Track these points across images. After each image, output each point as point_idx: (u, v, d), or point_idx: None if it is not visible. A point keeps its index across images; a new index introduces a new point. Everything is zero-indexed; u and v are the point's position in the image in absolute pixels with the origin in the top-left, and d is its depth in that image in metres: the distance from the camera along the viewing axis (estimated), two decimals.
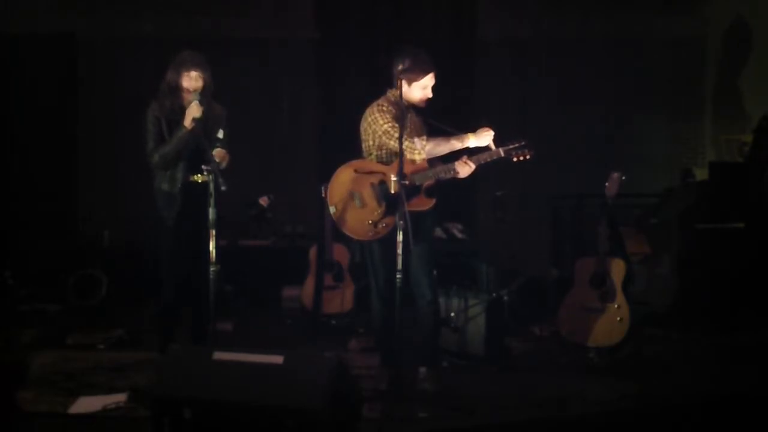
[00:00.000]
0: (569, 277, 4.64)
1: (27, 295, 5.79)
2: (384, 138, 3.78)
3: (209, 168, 3.52)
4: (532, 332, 5.05)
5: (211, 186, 3.50)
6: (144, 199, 4.06)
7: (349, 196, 3.81)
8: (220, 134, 3.84)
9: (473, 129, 3.80)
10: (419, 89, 3.82)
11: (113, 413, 3.46)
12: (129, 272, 5.84)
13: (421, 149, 3.76)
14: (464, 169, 3.76)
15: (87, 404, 3.56)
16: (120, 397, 3.60)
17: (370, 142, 3.86)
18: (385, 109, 3.82)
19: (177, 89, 3.81)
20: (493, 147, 3.76)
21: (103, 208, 6.39)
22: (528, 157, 3.77)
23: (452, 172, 3.78)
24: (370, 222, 3.77)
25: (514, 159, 3.77)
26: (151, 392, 3.13)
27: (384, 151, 3.83)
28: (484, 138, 3.76)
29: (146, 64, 6.06)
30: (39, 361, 4.24)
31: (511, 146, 3.77)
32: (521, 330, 4.99)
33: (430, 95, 3.86)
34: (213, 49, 4.23)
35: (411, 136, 3.77)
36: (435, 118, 3.93)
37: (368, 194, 3.80)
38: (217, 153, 3.70)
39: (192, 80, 3.79)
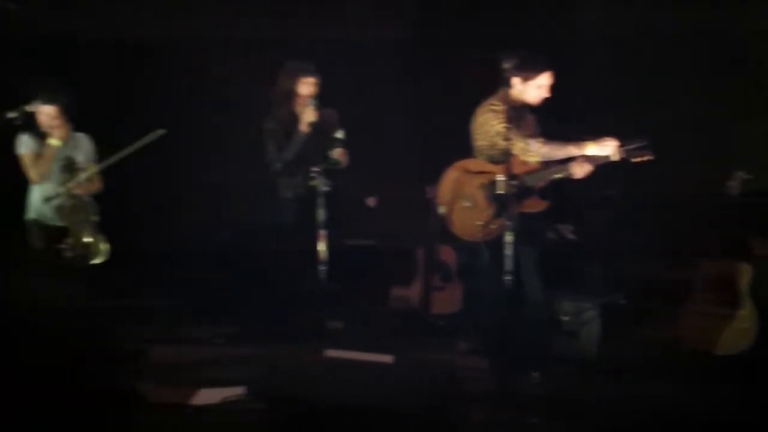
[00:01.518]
0: (689, 280, 4.43)
1: (149, 290, 6.11)
2: (496, 138, 3.74)
3: (318, 170, 3.61)
4: (648, 337, 4.86)
5: (320, 187, 3.58)
6: (258, 202, 4.21)
7: (459, 196, 3.79)
8: (339, 134, 3.97)
9: (594, 134, 3.68)
10: (534, 88, 3.75)
11: (232, 406, 3.59)
12: (246, 270, 6.04)
13: (536, 152, 3.69)
14: (580, 170, 3.66)
15: (207, 396, 3.70)
16: (238, 391, 3.73)
17: (482, 142, 3.82)
18: (497, 109, 3.77)
19: (291, 96, 3.94)
20: (615, 157, 3.63)
21: (221, 207, 6.64)
22: (649, 158, 3.62)
23: (567, 173, 3.68)
24: (480, 223, 3.74)
25: (634, 160, 3.63)
26: (266, 387, 3.24)
27: (496, 151, 3.78)
28: (605, 147, 3.63)
29: (250, 66, 6.31)
30: (161, 354, 4.46)
31: (631, 146, 3.62)
32: (637, 335, 4.81)
33: (547, 95, 3.78)
34: (306, 52, 4.32)
35: (526, 137, 3.71)
36: (552, 119, 3.85)
37: (478, 195, 3.77)
38: (338, 153, 3.84)
39: (309, 86, 3.93)
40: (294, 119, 3.90)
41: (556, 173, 3.70)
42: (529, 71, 3.71)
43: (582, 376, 4.16)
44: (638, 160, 3.62)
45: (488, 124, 3.76)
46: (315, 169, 3.66)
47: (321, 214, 3.64)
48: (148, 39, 6.68)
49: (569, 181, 3.75)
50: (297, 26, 6.50)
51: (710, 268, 4.24)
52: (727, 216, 4.25)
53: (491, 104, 3.81)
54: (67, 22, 6.25)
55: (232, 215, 6.33)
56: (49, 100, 3.98)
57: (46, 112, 3.99)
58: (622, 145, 3.64)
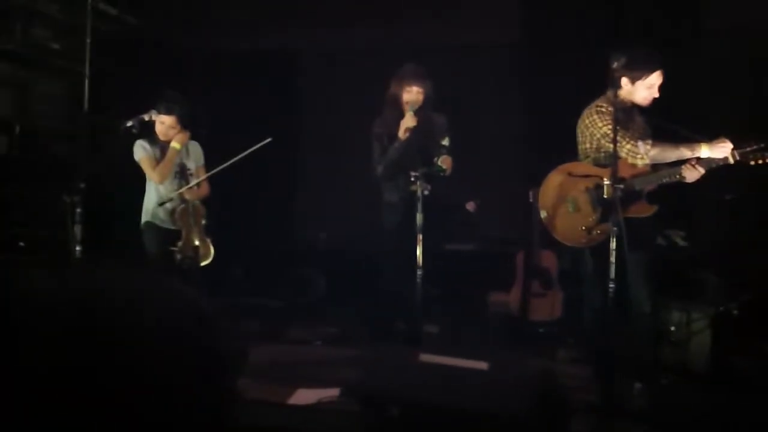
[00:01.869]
0: None
1: (252, 290, 6.30)
2: (603, 141, 3.61)
3: (417, 174, 3.61)
4: (765, 351, 4.56)
5: (419, 191, 3.58)
6: (360, 205, 4.26)
7: (562, 200, 3.68)
8: (446, 141, 3.98)
9: (709, 135, 3.48)
10: (644, 88, 3.58)
11: (328, 406, 3.64)
12: (344, 273, 6.13)
13: (645, 154, 3.53)
14: (692, 173, 3.45)
15: (304, 396, 3.77)
16: (334, 392, 3.78)
17: (587, 145, 3.70)
18: (604, 110, 3.64)
19: (398, 101, 3.98)
20: (730, 160, 3.43)
21: (322, 211, 6.78)
22: None
23: (678, 177, 3.50)
24: (584, 228, 3.62)
25: (752, 162, 3.38)
26: (361, 389, 3.25)
27: (602, 154, 3.65)
28: (719, 150, 3.41)
29: (358, 74, 6.42)
30: (262, 353, 4.58)
31: (749, 149, 3.37)
32: (752, 348, 4.52)
33: (657, 95, 3.61)
34: (417, 56, 4.33)
35: (634, 139, 3.56)
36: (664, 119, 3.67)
37: (582, 199, 3.64)
38: (444, 160, 3.87)
39: (412, 94, 3.97)
40: (399, 124, 3.95)
41: (665, 177, 3.52)
42: (638, 70, 3.55)
43: (689, 388, 3.96)
44: (756, 162, 3.37)
45: (594, 126, 3.64)
46: (414, 173, 3.65)
47: (419, 218, 3.62)
48: (262, 49, 6.93)
49: (682, 184, 3.56)
50: (407, 31, 6.55)
51: None
52: None
53: (597, 105, 3.68)
54: (185, 34, 6.55)
55: (340, 219, 6.44)
56: (167, 110, 4.15)
57: (163, 122, 4.16)
58: (739, 147, 3.41)
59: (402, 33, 6.58)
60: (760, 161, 3.35)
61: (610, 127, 3.54)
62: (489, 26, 6.61)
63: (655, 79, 3.58)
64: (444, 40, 6.68)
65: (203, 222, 4.25)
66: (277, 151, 7.05)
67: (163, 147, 4.27)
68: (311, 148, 7.12)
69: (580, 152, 3.75)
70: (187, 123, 4.26)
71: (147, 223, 4.33)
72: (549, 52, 6.45)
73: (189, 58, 6.68)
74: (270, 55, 7.05)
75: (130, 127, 3.92)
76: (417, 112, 3.90)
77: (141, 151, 4.24)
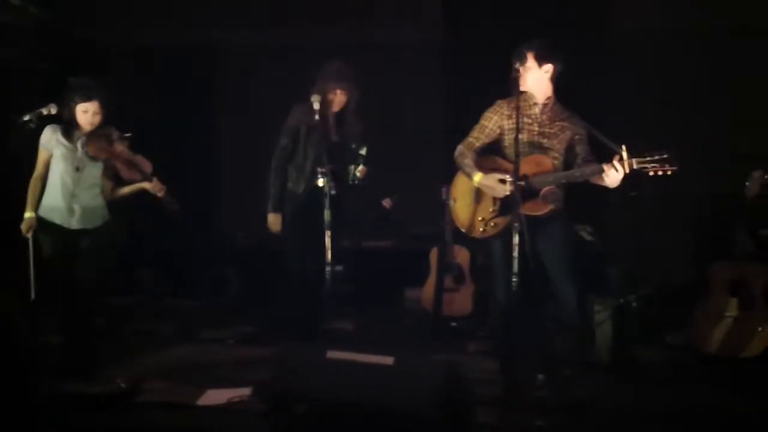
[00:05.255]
0: (705, 283, 4.34)
1: (164, 292, 6.17)
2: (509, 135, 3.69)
3: (324, 171, 3.61)
4: (663, 341, 4.77)
5: (326, 188, 3.58)
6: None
7: (469, 190, 3.75)
8: (363, 151, 4.01)
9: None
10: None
11: (236, 406, 3.61)
12: (259, 271, 6.09)
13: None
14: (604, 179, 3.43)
15: (213, 397, 3.73)
16: (244, 391, 3.74)
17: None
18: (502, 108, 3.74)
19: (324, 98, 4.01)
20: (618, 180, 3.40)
21: (236, 208, 6.70)
22: (669, 172, 3.32)
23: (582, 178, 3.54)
24: (481, 219, 3.69)
25: (651, 173, 3.35)
26: (268, 388, 3.24)
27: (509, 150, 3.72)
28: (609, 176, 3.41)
29: (282, 71, 6.37)
30: (174, 354, 4.51)
31: (648, 158, 3.34)
32: (651, 339, 4.73)
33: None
34: (340, 53, 4.32)
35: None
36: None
37: (499, 188, 3.65)
38: (361, 170, 3.98)
39: (336, 95, 4.00)
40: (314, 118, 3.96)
41: (564, 179, 3.59)
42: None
43: (592, 378, 4.10)
44: (656, 173, 3.35)
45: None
46: (321, 169, 3.65)
47: (327, 215, 3.63)
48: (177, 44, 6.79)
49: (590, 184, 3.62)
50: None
51: (724, 269, 4.15)
52: (745, 216, 4.15)
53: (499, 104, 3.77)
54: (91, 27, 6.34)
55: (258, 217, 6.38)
56: (86, 97, 3.84)
57: (86, 110, 3.87)
58: (637, 156, 3.38)
59: (325, 31, 6.57)
60: (660, 173, 3.34)
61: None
62: (411, 24, 6.67)
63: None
64: (364, 37, 6.70)
65: None
66: (196, 149, 6.98)
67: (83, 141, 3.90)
68: (230, 145, 7.02)
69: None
70: (113, 109, 3.95)
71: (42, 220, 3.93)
72: (469, 49, 6.55)
73: (96, 51, 6.47)
74: (186, 52, 6.91)
75: (28, 121, 3.72)
76: (338, 113, 3.93)
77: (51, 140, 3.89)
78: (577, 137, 3.67)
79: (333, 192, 3.59)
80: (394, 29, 6.69)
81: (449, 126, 6.53)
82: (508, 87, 3.70)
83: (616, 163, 3.38)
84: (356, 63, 4.30)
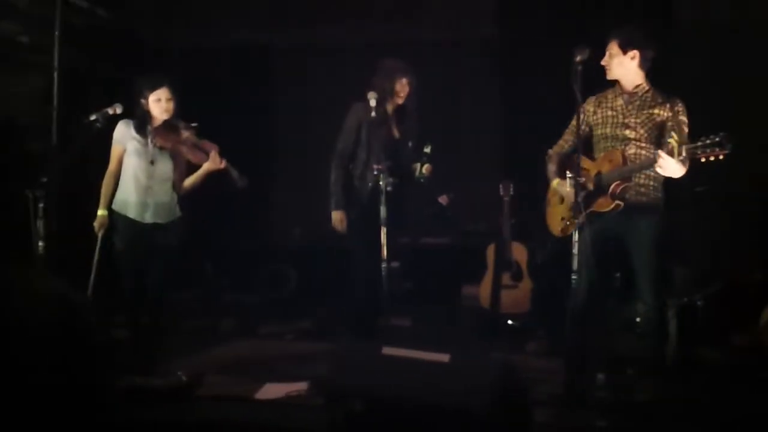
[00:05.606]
0: None
1: (225, 287, 6.28)
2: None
3: (381, 168, 3.62)
4: (729, 342, 4.61)
5: (382, 185, 3.58)
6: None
7: (555, 193, 3.74)
8: (428, 149, 4.06)
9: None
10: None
11: (294, 401, 3.65)
12: (316, 267, 6.13)
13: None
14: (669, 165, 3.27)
15: (272, 391, 3.78)
16: (302, 386, 3.78)
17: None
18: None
19: (385, 93, 4.03)
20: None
21: (294, 206, 6.76)
22: (721, 156, 3.13)
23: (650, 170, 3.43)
24: (563, 218, 3.66)
25: (702, 159, 3.18)
26: (325, 384, 3.26)
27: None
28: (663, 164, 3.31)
29: (338, 69, 6.40)
30: (234, 349, 4.59)
31: (699, 143, 3.17)
32: (718, 339, 4.57)
33: None
34: (395, 52, 4.32)
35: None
36: None
37: (569, 190, 3.56)
38: (426, 168, 4.03)
39: (402, 85, 4.03)
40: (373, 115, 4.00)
41: (627, 173, 3.48)
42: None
43: (655, 379, 3.99)
44: (707, 158, 3.17)
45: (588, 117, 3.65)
46: (377, 166, 3.66)
47: (383, 211, 3.63)
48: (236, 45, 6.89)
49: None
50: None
51: None
52: None
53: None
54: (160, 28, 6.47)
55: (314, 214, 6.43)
56: (157, 84, 3.89)
57: (159, 98, 3.91)
58: (690, 141, 3.28)
59: (373, 30, 6.57)
60: (712, 158, 3.17)
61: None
62: (465, 21, 6.61)
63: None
64: (419, 36, 6.68)
65: None
66: (251, 147, 7.08)
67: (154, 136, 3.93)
68: (285, 143, 7.10)
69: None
70: (179, 90, 3.97)
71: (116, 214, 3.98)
72: (527, 47, 6.44)
73: (163, 52, 6.61)
74: (244, 52, 7.01)
75: (94, 120, 3.81)
76: (397, 109, 3.95)
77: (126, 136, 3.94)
78: (670, 124, 3.47)
79: (389, 189, 3.59)
80: (448, 27, 6.64)
81: (505, 123, 6.48)
82: (565, 83, 3.66)
83: (665, 150, 3.26)
84: (411, 60, 4.31)
